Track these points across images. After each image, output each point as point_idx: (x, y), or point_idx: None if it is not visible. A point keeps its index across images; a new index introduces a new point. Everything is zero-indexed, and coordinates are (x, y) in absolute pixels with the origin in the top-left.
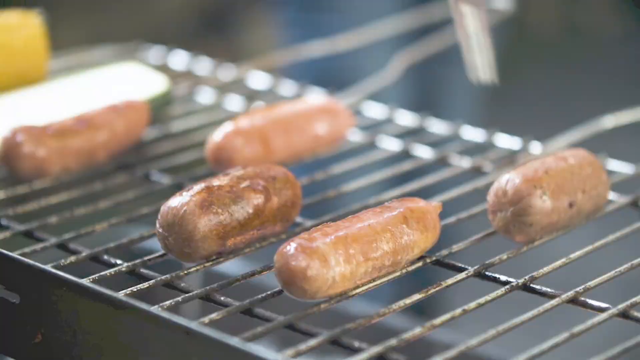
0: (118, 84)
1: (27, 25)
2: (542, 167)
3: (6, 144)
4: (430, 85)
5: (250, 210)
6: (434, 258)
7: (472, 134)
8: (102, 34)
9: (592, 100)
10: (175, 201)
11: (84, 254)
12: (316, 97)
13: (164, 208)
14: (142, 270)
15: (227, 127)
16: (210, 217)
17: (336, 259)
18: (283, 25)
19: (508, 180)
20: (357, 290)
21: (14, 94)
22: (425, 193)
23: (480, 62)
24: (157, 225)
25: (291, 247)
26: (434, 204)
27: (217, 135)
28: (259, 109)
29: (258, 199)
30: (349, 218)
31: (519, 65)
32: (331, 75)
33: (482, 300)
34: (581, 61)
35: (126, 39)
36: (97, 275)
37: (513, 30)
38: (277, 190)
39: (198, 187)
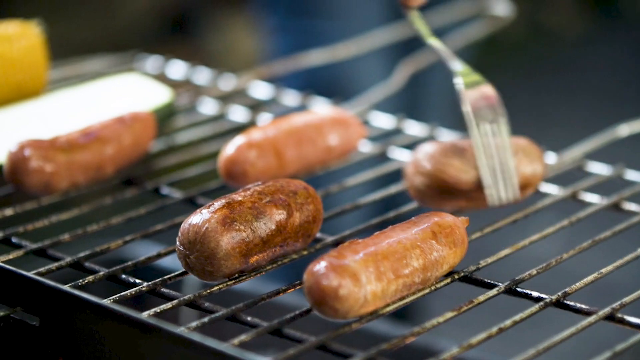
0: (121, 96)
1: (27, 36)
2: None
3: (13, 159)
4: (421, 92)
5: (273, 227)
6: (462, 274)
7: None
8: (68, 41)
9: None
10: (197, 218)
11: (101, 273)
12: (325, 107)
13: (184, 225)
14: (163, 290)
15: (239, 140)
16: (233, 234)
17: (367, 276)
18: (268, 31)
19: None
20: (387, 309)
21: (16, 107)
22: None
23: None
24: (177, 242)
25: (321, 265)
26: (461, 218)
27: (229, 148)
28: (269, 121)
29: (280, 215)
30: (377, 234)
31: (495, 70)
32: (327, 83)
33: (517, 317)
34: (548, 62)
35: (92, 46)
36: (118, 295)
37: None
38: (298, 206)
39: (219, 203)
